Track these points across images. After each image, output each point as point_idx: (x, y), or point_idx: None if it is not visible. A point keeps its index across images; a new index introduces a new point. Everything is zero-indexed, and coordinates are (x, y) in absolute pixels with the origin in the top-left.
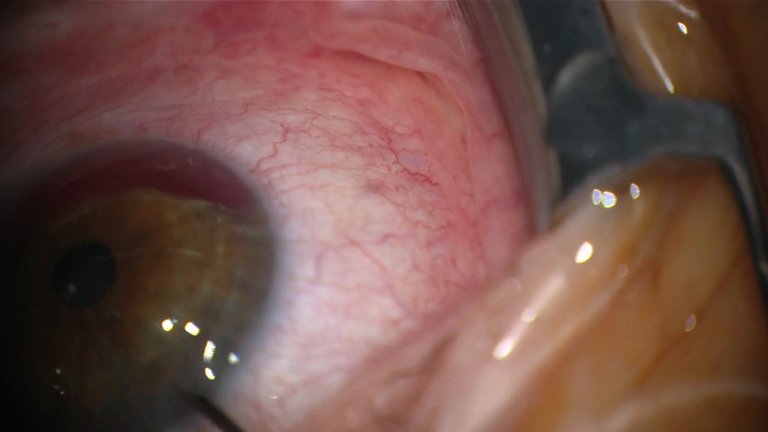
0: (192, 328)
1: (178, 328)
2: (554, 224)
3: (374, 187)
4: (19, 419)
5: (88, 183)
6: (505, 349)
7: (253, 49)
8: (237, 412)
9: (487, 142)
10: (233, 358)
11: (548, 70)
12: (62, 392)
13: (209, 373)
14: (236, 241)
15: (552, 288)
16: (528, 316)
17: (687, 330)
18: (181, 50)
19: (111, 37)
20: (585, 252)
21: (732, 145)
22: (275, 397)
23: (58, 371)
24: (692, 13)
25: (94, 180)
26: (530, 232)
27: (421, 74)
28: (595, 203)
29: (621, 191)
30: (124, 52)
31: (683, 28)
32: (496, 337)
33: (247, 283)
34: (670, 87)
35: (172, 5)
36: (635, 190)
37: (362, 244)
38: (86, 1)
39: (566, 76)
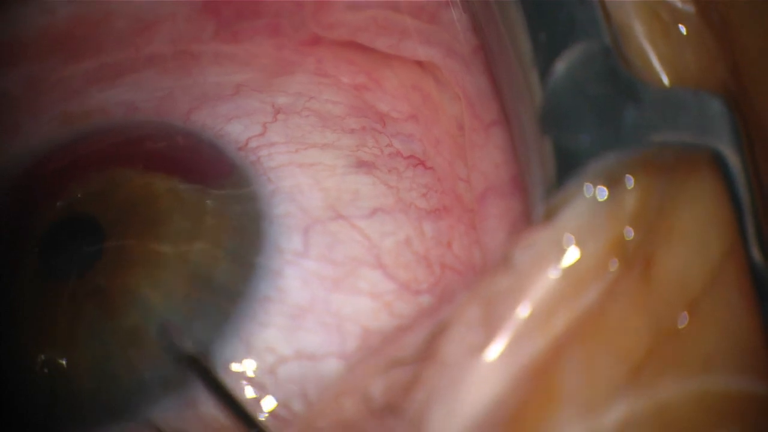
0: (181, 298)
1: (167, 298)
2: (549, 215)
3: (365, 167)
4: (8, 394)
5: (80, 162)
6: (496, 341)
7: (253, 37)
8: (228, 381)
9: (485, 130)
10: (223, 327)
11: (544, 59)
12: (52, 365)
13: (199, 342)
14: (224, 214)
15: (545, 281)
16: (520, 309)
17: (679, 323)
18: (181, 38)
19: (111, 24)
20: (577, 245)
21: (726, 136)
22: (266, 367)
23: (47, 344)
24: (688, 6)
25: (86, 159)
26: (528, 220)
27: (419, 62)
28: (588, 195)
29: (614, 182)
30: (124, 39)
31: (679, 21)
32: (488, 329)
33: (235, 254)
34: (666, 79)
35: None
36: (629, 181)
37: (351, 219)
38: None
39: (562, 65)
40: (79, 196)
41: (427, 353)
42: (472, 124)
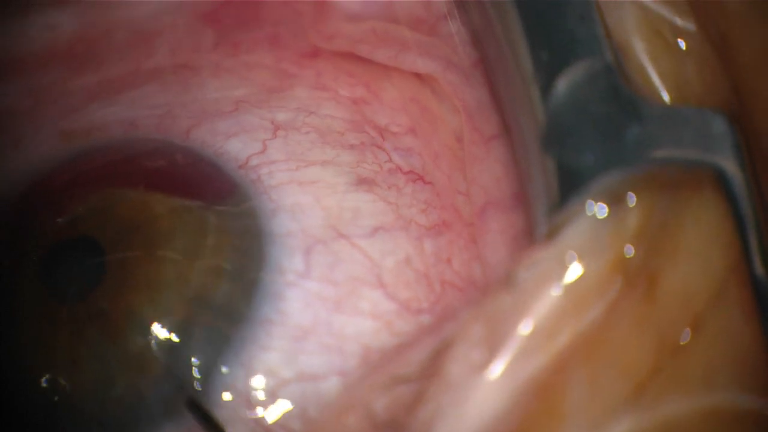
0: (182, 321)
1: (169, 321)
2: (551, 233)
3: (365, 184)
4: (9, 415)
5: (80, 180)
6: (499, 359)
7: (253, 48)
8: (228, 406)
9: (485, 144)
10: (224, 351)
11: (546, 77)
12: (53, 387)
13: (200, 366)
14: (225, 234)
15: (547, 298)
16: (523, 328)
17: (683, 341)
18: (181, 50)
19: (112, 38)
20: (580, 263)
21: (729, 153)
22: (267, 391)
23: (49, 366)
24: (689, 24)
25: (85, 177)
26: (529, 235)
27: (417, 74)
28: (590, 214)
29: (616, 201)
30: (125, 52)
31: (680, 38)
32: (491, 347)
33: (236, 275)
34: (667, 96)
35: (173, 5)
36: (631, 199)
37: (352, 238)
38: (87, 2)
39: (564, 83)
40: (79, 215)
41: (431, 371)
42: (471, 137)
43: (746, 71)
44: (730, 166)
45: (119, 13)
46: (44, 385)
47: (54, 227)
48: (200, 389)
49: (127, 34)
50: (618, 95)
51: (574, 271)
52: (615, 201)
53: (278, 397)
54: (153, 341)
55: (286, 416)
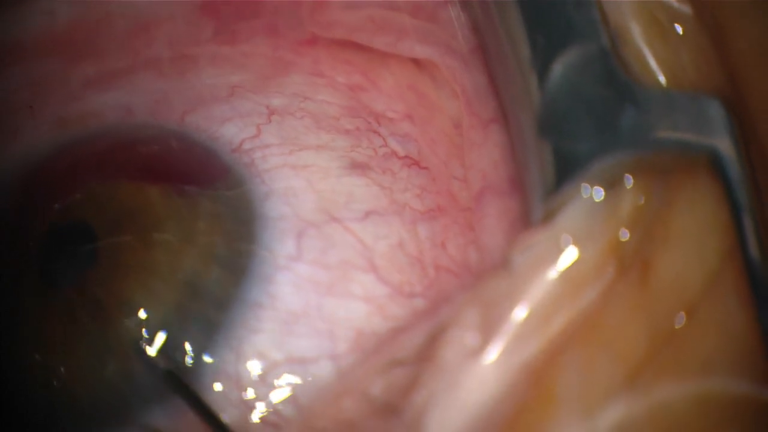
0: (173, 305)
1: (160, 305)
2: (547, 217)
3: (359, 168)
4: (8, 415)
5: (75, 167)
6: (493, 344)
7: (251, 37)
8: (218, 388)
9: (483, 128)
10: (214, 335)
11: (542, 61)
12: (46, 374)
13: (191, 350)
14: (217, 218)
15: (542, 282)
16: (518, 312)
17: (677, 327)
18: (180, 41)
19: (110, 26)
20: (575, 247)
21: (725, 137)
22: (257, 374)
23: (42, 352)
24: (685, 9)
25: (80, 164)
26: (526, 219)
27: (415, 61)
28: (585, 197)
29: (611, 185)
30: (123, 42)
31: (676, 24)
32: (486, 332)
33: (228, 259)
34: (663, 81)
35: None
36: (628, 182)
37: (344, 221)
38: None
39: (559, 67)
40: (74, 202)
41: (426, 355)
42: (470, 122)
43: (743, 63)
44: (725, 149)
45: (118, 2)
46: (37, 370)
47: (50, 214)
48: (191, 373)
49: (125, 21)
50: (614, 79)
51: (570, 254)
52: (611, 185)
53: (269, 381)
54: (144, 325)
55: (278, 401)
